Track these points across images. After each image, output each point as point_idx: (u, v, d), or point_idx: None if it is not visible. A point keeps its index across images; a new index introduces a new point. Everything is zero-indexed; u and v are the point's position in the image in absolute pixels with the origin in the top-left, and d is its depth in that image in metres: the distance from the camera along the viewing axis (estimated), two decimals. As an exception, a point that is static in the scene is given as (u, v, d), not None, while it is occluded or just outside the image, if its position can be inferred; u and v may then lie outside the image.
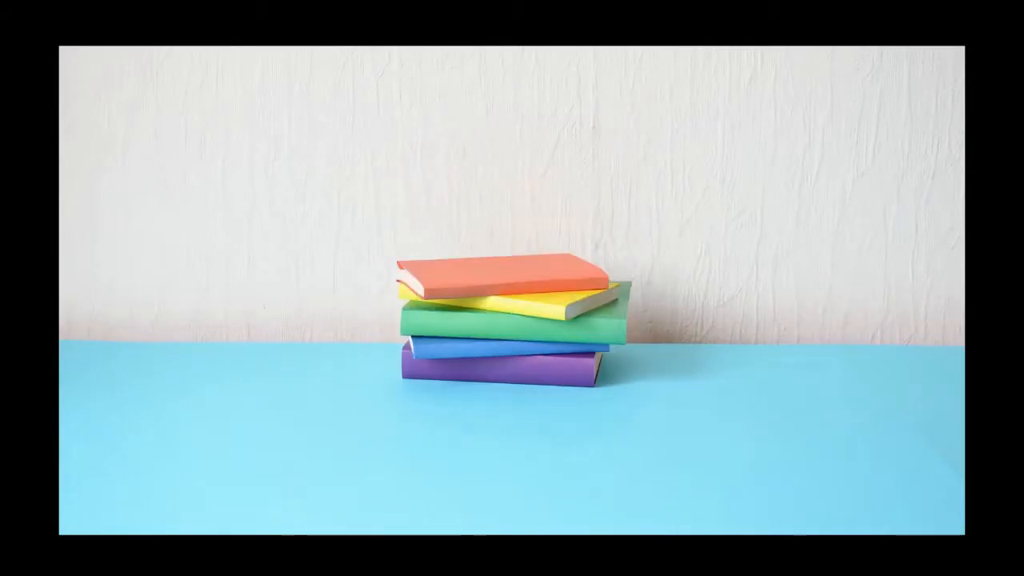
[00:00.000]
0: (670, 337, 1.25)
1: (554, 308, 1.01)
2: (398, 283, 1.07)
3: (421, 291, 1.04)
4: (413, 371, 1.07)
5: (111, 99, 1.23)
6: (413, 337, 1.05)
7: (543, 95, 1.21)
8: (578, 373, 1.04)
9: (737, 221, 1.22)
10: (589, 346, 1.04)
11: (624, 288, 1.15)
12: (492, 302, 1.04)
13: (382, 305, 1.26)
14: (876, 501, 0.78)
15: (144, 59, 1.21)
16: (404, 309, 1.05)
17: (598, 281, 1.07)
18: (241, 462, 0.85)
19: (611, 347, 1.18)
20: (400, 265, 1.10)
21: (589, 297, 1.04)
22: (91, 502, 0.77)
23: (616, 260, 1.24)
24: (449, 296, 1.04)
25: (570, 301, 1.02)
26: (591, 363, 1.04)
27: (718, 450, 0.88)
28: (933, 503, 0.78)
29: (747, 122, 1.21)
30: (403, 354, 1.07)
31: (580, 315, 1.03)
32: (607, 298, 1.08)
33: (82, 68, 1.22)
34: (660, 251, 1.23)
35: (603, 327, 1.03)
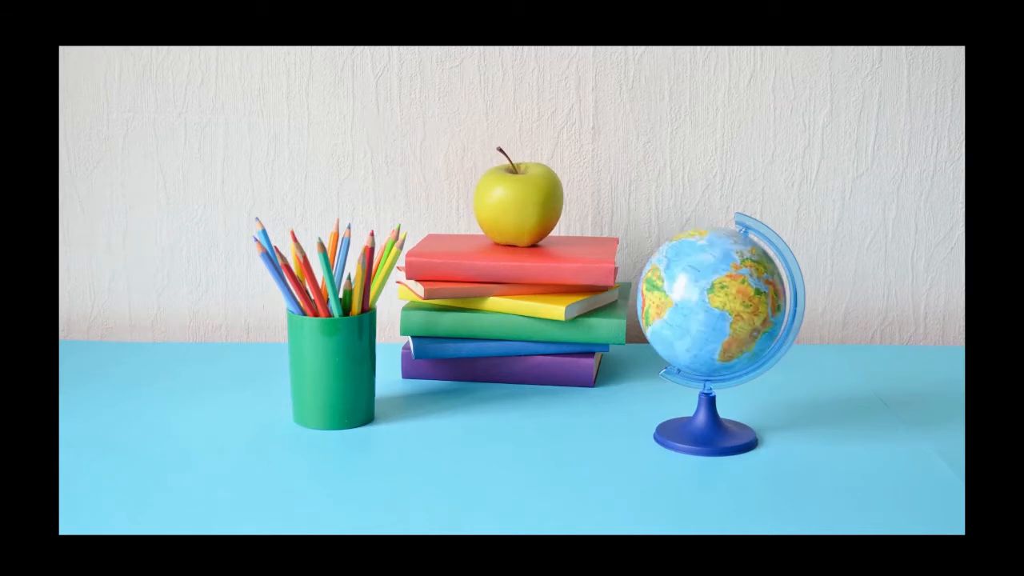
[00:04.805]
0: (670, 337, 1.25)
1: (554, 308, 1.01)
2: (398, 284, 1.07)
3: (421, 291, 1.04)
4: (412, 371, 1.07)
5: (111, 99, 1.23)
6: (413, 337, 1.05)
7: (543, 95, 1.21)
8: (578, 373, 1.04)
9: (737, 221, 1.22)
10: (589, 346, 1.04)
11: (624, 288, 1.15)
12: (492, 302, 1.04)
13: (382, 305, 1.26)
14: (876, 501, 0.78)
15: (144, 59, 1.21)
16: (404, 309, 1.05)
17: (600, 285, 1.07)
18: (241, 462, 0.85)
19: (611, 347, 1.18)
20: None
21: (589, 298, 1.04)
22: (91, 502, 0.77)
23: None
24: (449, 296, 1.04)
25: (570, 302, 1.02)
26: (591, 363, 1.04)
27: (718, 450, 0.88)
28: (933, 503, 0.78)
29: (746, 122, 1.21)
30: (402, 354, 1.07)
31: (579, 315, 1.03)
32: (607, 299, 1.08)
33: (82, 68, 1.22)
34: (660, 251, 1.23)
35: (602, 327, 1.03)
